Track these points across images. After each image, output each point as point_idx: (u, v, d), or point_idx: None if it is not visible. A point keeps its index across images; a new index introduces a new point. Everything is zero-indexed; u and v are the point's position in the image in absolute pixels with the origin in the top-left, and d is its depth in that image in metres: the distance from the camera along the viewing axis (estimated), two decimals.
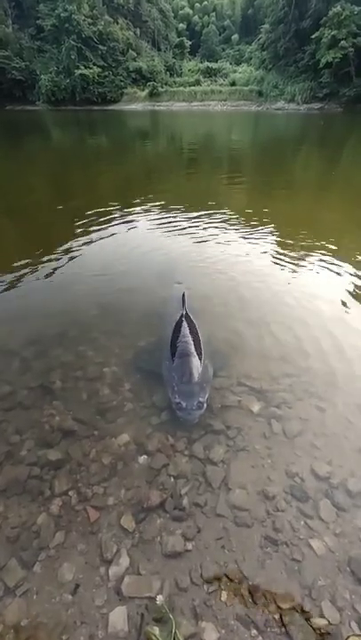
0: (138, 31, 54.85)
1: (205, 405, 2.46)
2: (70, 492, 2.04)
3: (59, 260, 4.94)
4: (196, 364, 2.67)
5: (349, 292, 4.07)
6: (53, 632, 1.45)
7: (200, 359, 2.75)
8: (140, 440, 2.38)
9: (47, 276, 4.53)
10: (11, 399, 2.72)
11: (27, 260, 4.87)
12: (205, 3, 64.82)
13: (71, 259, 4.98)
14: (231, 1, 63.43)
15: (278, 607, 1.50)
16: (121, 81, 50.48)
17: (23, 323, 3.66)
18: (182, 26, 63.59)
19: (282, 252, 5.15)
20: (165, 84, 51.38)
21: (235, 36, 61.87)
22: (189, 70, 55.57)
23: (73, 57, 46.60)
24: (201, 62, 57.44)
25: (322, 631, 1.43)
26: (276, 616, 1.48)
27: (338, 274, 4.51)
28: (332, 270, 4.59)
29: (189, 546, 1.76)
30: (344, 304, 3.87)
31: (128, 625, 1.47)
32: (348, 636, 1.40)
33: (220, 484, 2.06)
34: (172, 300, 3.73)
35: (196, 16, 64.48)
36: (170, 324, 3.29)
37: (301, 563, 1.68)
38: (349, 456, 2.23)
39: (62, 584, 1.62)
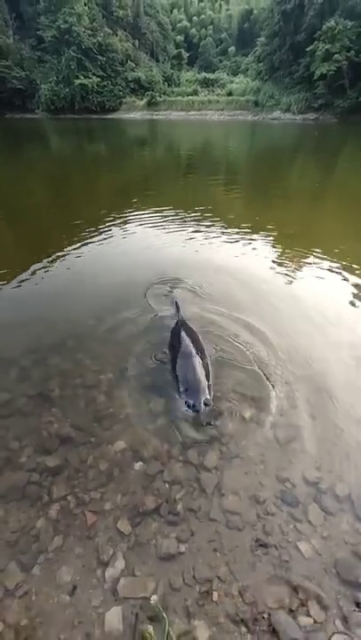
0: (137, 43, 56.12)
1: (212, 403, 2.58)
2: (68, 497, 2.11)
3: (56, 267, 5.05)
4: (200, 363, 2.81)
5: (347, 299, 4.19)
6: (52, 631, 1.51)
7: (202, 359, 2.89)
8: (135, 447, 2.45)
9: (45, 283, 4.62)
10: (10, 406, 2.79)
11: (24, 267, 4.97)
12: (203, 16, 66.51)
13: (68, 266, 5.10)
14: (228, 15, 65.12)
15: (267, 606, 1.58)
16: (120, 90, 51.45)
17: (21, 330, 3.74)
18: (180, 38, 65.14)
19: (278, 258, 5.30)
20: (163, 93, 52.41)
21: (231, 49, 63.39)
22: (187, 80, 56.76)
23: (73, 67, 47.50)
24: (198, 73, 58.76)
25: (308, 629, 1.50)
26: (265, 615, 1.55)
27: (334, 280, 4.64)
28: (329, 277, 4.72)
29: (183, 548, 1.83)
30: (339, 311, 3.98)
31: (123, 624, 1.53)
32: (333, 634, 1.47)
33: (213, 490, 2.14)
34: (168, 308, 3.84)
35: (194, 29, 66.09)
36: (167, 330, 3.41)
37: (289, 564, 1.76)
38: (338, 462, 2.32)
39: (60, 586, 1.68)
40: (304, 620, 1.53)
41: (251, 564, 1.77)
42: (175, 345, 3.10)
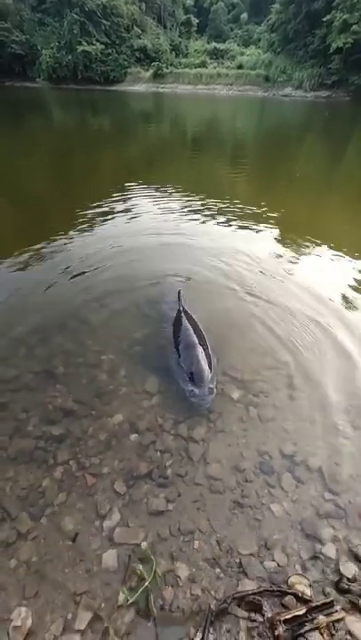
0: (143, 6, 52.79)
1: (215, 390, 2.79)
2: (71, 462, 2.39)
3: (60, 249, 5.17)
4: (203, 353, 3.00)
5: (344, 290, 4.35)
6: (58, 566, 1.81)
7: (205, 349, 3.08)
8: (132, 420, 2.72)
9: (49, 266, 4.77)
10: (18, 382, 3.04)
11: (27, 249, 5.09)
12: None
13: (71, 249, 5.21)
14: None
15: (239, 553, 1.87)
16: (125, 60, 48.92)
17: (28, 313, 3.92)
18: (190, 2, 61.20)
19: (279, 246, 5.40)
20: (170, 64, 49.86)
21: (244, 15, 59.76)
22: (195, 51, 53.91)
23: (75, 32, 45.00)
24: (208, 42, 55.69)
25: (271, 571, 1.80)
26: (237, 560, 1.85)
27: (333, 271, 4.79)
28: (328, 267, 4.86)
29: (170, 507, 2.12)
30: (335, 300, 4.15)
31: (118, 563, 1.83)
32: (291, 575, 1.76)
33: (199, 459, 2.41)
34: (169, 296, 4.01)
35: None
36: (168, 319, 3.60)
37: (262, 522, 2.04)
38: (314, 439, 2.58)
39: (64, 532, 1.98)
40: (269, 564, 1.82)
41: (228, 520, 2.06)
42: (178, 334, 3.26)
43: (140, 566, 1.79)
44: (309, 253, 5.27)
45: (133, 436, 2.59)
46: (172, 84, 47.24)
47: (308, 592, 1.68)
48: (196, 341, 3.12)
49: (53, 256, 5.02)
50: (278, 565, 1.82)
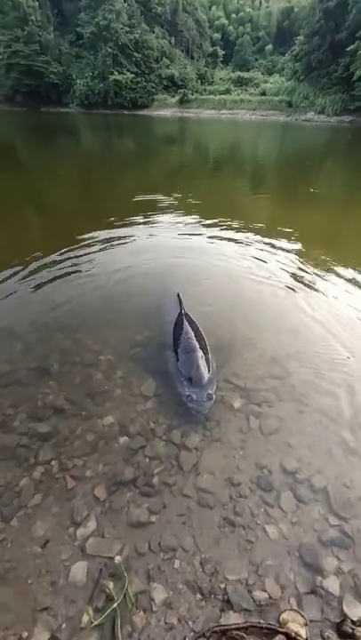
0: (173, 40, 56.19)
1: (214, 397, 2.60)
2: (53, 462, 2.23)
3: (71, 256, 5.20)
4: (202, 358, 2.84)
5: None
6: (22, 575, 1.63)
7: (205, 353, 2.92)
8: (123, 423, 2.55)
9: (59, 269, 4.79)
10: (10, 377, 2.95)
11: (41, 254, 5.16)
12: (242, 13, 65.66)
13: (83, 255, 5.24)
14: (267, 12, 63.93)
15: (225, 578, 1.62)
16: (152, 87, 51.70)
17: (31, 310, 3.91)
18: (217, 35, 64.62)
19: (295, 262, 5.19)
20: (196, 91, 52.18)
21: (269, 47, 62.25)
22: (220, 79, 56.25)
23: (108, 63, 48.19)
24: (233, 71, 58.07)
25: (261, 603, 1.54)
26: (222, 585, 1.60)
27: (349, 290, 4.49)
28: (344, 285, 4.56)
29: (153, 519, 1.91)
30: (351, 315, 3.87)
31: (86, 577, 1.63)
32: (285, 610, 1.50)
33: (190, 468, 2.20)
34: (169, 301, 3.90)
35: (232, 26, 65.38)
36: (169, 322, 3.48)
37: (254, 544, 1.79)
38: (319, 456, 2.31)
39: (34, 538, 1.80)
40: (259, 595, 1.56)
41: (216, 539, 1.81)
42: (178, 337, 3.13)
43: (111, 584, 1.58)
44: (327, 271, 5.02)
45: (123, 440, 2.41)
46: (197, 109, 49.22)
47: (302, 633, 1.41)
48: (197, 345, 2.96)
49: (64, 260, 5.04)
50: (270, 597, 1.56)
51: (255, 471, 2.19)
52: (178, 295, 3.67)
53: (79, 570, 1.65)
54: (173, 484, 2.09)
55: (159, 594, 1.57)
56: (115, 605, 1.49)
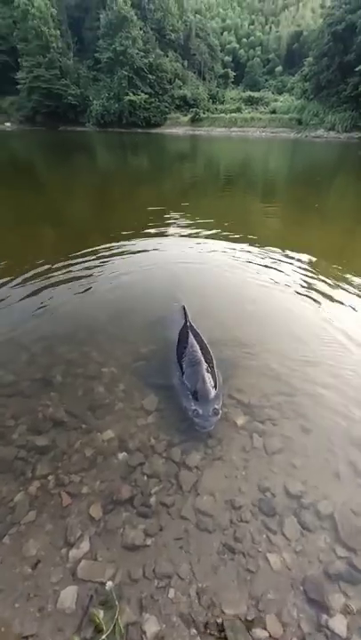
0: (186, 63, 58.51)
1: (220, 412, 2.53)
2: (49, 477, 2.18)
3: (80, 268, 5.26)
4: (208, 371, 2.77)
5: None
6: (8, 599, 1.56)
7: (211, 367, 2.86)
8: (123, 437, 2.49)
9: (68, 281, 4.85)
10: (13, 387, 2.95)
11: (52, 265, 5.24)
12: (252, 38, 68.11)
13: (92, 267, 5.30)
14: (277, 36, 66.08)
15: (222, 612, 1.52)
16: (165, 107, 53.65)
17: (38, 321, 3.93)
18: (228, 58, 66.99)
19: (306, 275, 5.11)
20: (207, 110, 53.85)
21: (278, 68, 64.07)
22: (231, 98, 57.97)
23: (123, 85, 50.41)
24: (243, 91, 59.82)
25: None
26: (219, 620, 1.49)
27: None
28: (355, 299, 4.47)
29: (149, 542, 1.82)
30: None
31: (76, 604, 1.54)
32: None
33: (190, 488, 2.11)
34: (174, 313, 3.87)
35: (242, 50, 67.77)
36: (174, 335, 3.44)
37: (255, 574, 1.68)
38: (326, 479, 2.20)
39: (25, 558, 1.74)
40: (259, 633, 1.45)
41: (214, 567, 1.71)
42: (183, 350, 3.08)
43: (101, 613, 1.50)
44: (339, 284, 4.93)
45: (121, 455, 2.35)
46: (208, 127, 50.63)
47: None
48: (202, 358, 2.90)
49: (73, 273, 5.07)
50: (270, 636, 1.44)
51: (257, 494, 2.09)
52: (183, 308, 3.64)
53: (69, 595, 1.57)
54: (171, 505, 2.00)
55: (151, 626, 1.47)
56: (104, 637, 1.40)
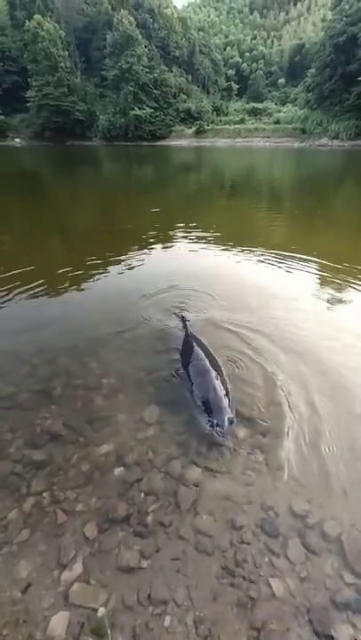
0: (190, 77, 60.11)
1: (235, 421, 2.50)
2: (45, 494, 2.12)
3: (80, 280, 5.29)
4: (218, 380, 2.74)
5: None
6: None
7: (220, 375, 2.83)
8: (121, 451, 2.42)
9: (69, 291, 4.87)
10: (13, 399, 2.92)
11: (53, 279, 5.28)
12: (255, 52, 69.68)
13: (94, 278, 5.33)
14: (279, 50, 67.44)
15: None
16: (170, 120, 54.96)
17: (40, 332, 3.92)
18: (231, 72, 68.54)
19: (311, 282, 5.06)
20: (211, 122, 54.94)
21: (281, 80, 65.24)
22: (235, 110, 59.11)
23: (129, 100, 51.92)
24: (247, 103, 60.93)
25: None
26: None
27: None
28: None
29: (144, 564, 1.73)
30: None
31: (66, 632, 1.46)
32: None
33: (189, 507, 2.02)
34: (175, 324, 3.83)
35: (245, 63, 69.30)
36: (175, 345, 3.40)
37: (256, 601, 1.58)
38: (333, 498, 2.08)
39: (16, 580, 1.67)
40: None
41: (213, 592, 1.62)
42: (189, 360, 3.03)
43: None
44: (345, 292, 4.87)
45: (118, 470, 2.28)
46: (213, 138, 51.49)
47: None
48: (210, 367, 2.85)
49: (80, 284, 5.10)
50: None
51: (260, 513, 1.99)
52: (182, 317, 3.60)
53: (59, 622, 1.49)
54: (169, 525, 1.92)
55: None
56: None
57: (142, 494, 2.10)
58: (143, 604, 1.57)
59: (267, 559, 1.75)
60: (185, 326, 3.48)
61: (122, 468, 2.29)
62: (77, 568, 1.71)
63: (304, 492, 2.11)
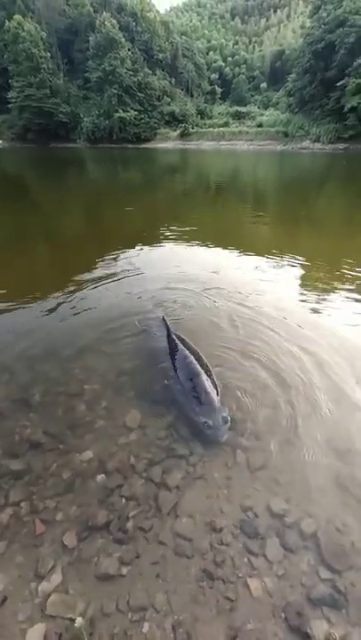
0: (173, 80, 60.42)
1: (229, 419, 2.51)
2: (23, 504, 2.08)
3: (65, 287, 5.22)
4: (209, 381, 2.76)
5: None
6: None
7: (209, 375, 2.85)
8: (102, 458, 2.41)
9: (51, 299, 4.79)
10: None
11: (36, 284, 5.21)
12: (237, 57, 70.77)
13: (79, 284, 5.27)
14: (261, 55, 68.72)
15: None
16: (155, 122, 55.04)
17: (20, 340, 3.82)
18: (215, 76, 69.34)
19: (297, 285, 5.14)
20: (196, 125, 55.35)
21: (263, 85, 66.40)
22: (219, 113, 59.72)
23: (113, 102, 51.73)
24: (231, 106, 61.69)
25: None
26: None
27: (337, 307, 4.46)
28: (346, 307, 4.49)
29: (124, 571, 1.73)
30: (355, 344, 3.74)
31: None
32: None
33: (169, 510, 2.03)
34: (157, 326, 3.84)
35: (228, 68, 70.27)
36: (158, 347, 3.40)
37: (235, 603, 1.60)
38: (310, 496, 2.13)
39: None
40: None
41: (192, 596, 1.63)
42: (179, 362, 3.04)
43: None
44: (329, 295, 4.96)
45: (100, 477, 2.26)
46: (197, 141, 51.87)
47: None
48: (200, 369, 2.87)
49: (65, 289, 4.99)
50: None
51: (240, 514, 2.02)
52: (163, 319, 3.61)
53: (36, 634, 1.47)
54: (149, 530, 1.92)
55: None
56: None
57: (123, 500, 2.10)
58: (122, 611, 1.57)
59: (245, 559, 1.78)
60: (167, 328, 3.49)
61: (103, 475, 2.28)
62: (56, 578, 1.69)
63: (283, 492, 2.15)
